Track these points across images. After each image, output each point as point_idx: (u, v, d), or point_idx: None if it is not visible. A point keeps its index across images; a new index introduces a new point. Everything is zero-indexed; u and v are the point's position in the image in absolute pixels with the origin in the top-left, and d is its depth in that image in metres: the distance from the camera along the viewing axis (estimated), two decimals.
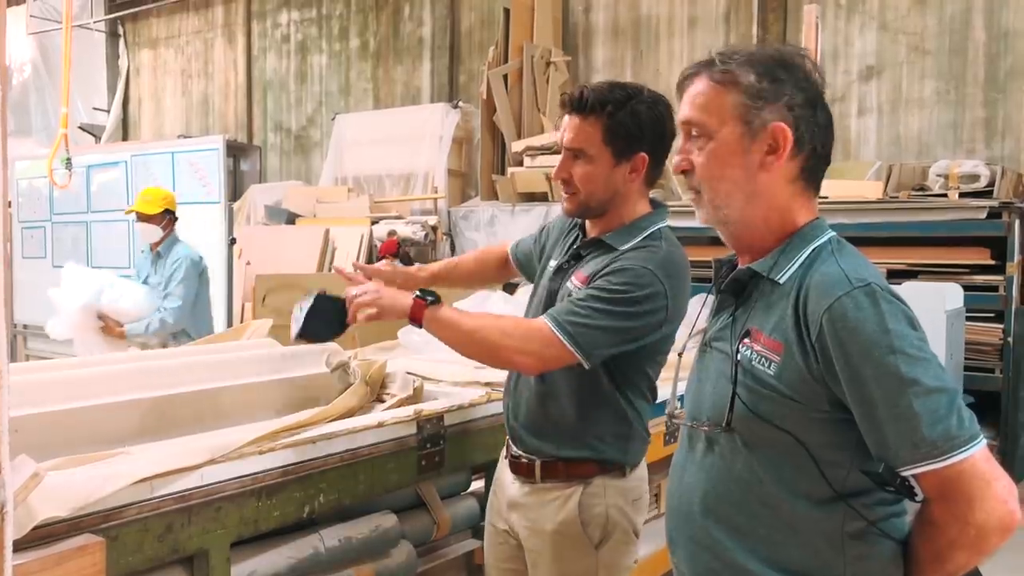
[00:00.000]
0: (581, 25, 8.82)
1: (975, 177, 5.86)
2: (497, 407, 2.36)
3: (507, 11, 8.32)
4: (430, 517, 2.39)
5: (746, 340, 1.34)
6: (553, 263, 2.14)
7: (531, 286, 2.30)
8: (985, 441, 1.21)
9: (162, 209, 4.77)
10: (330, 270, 7.92)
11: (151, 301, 4.71)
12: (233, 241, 5.79)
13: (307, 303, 2.00)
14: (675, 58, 8.16)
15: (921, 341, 1.23)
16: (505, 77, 8.17)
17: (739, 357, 1.33)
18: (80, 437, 1.88)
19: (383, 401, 2.43)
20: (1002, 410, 5.74)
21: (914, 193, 6.03)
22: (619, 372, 1.99)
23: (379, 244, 7.98)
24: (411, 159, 9.08)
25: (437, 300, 1.90)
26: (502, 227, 7.72)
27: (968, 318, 5.47)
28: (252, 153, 11.27)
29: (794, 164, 1.34)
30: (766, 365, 1.30)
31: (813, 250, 1.34)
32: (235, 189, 9.77)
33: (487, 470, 2.44)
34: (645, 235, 1.96)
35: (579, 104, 1.94)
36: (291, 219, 8.88)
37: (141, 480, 1.62)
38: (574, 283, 1.98)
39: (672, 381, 1.61)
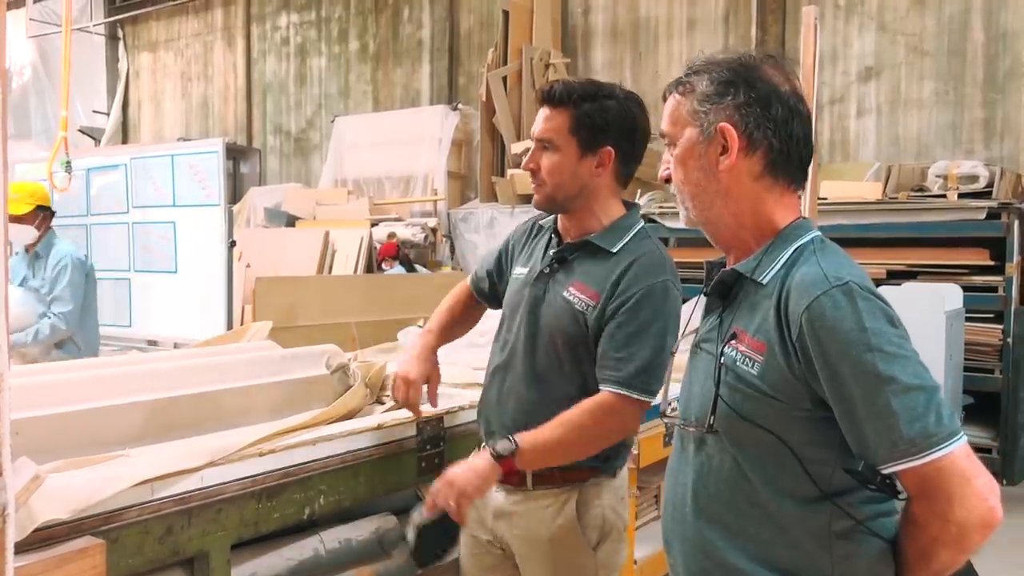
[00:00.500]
0: (580, 27, 8.83)
1: (974, 178, 5.87)
2: None
3: (506, 13, 8.34)
4: None
5: (732, 342, 1.35)
6: (523, 269, 2.09)
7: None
8: (966, 438, 1.21)
9: (33, 207, 4.21)
10: (330, 272, 7.94)
11: (33, 306, 4.19)
12: (233, 244, 5.78)
13: (412, 534, 2.00)
14: (674, 60, 8.17)
15: (900, 338, 1.23)
16: (504, 79, 8.18)
17: (723, 359, 1.35)
18: (80, 440, 1.88)
19: (383, 403, 2.43)
20: (1002, 411, 5.74)
21: (913, 194, 6.04)
22: None
23: (378, 246, 7.99)
24: (410, 161, 9.09)
25: (511, 444, 1.85)
26: (501, 228, 7.73)
27: (967, 319, 5.48)
28: (252, 156, 11.29)
29: (754, 161, 1.37)
30: (749, 365, 1.31)
31: (795, 250, 1.36)
32: (235, 192, 9.79)
33: None
34: (632, 234, 1.98)
35: (549, 95, 1.96)
36: (291, 221, 8.90)
37: (141, 482, 1.62)
38: (573, 294, 1.94)
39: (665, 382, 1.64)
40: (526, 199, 7.67)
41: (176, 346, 5.20)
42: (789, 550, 1.31)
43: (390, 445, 2.14)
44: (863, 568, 1.29)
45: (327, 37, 10.80)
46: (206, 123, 12.06)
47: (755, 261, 1.37)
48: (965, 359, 5.44)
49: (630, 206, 2.06)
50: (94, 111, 12.96)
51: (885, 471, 1.22)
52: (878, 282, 5.17)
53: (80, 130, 12.24)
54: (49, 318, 4.19)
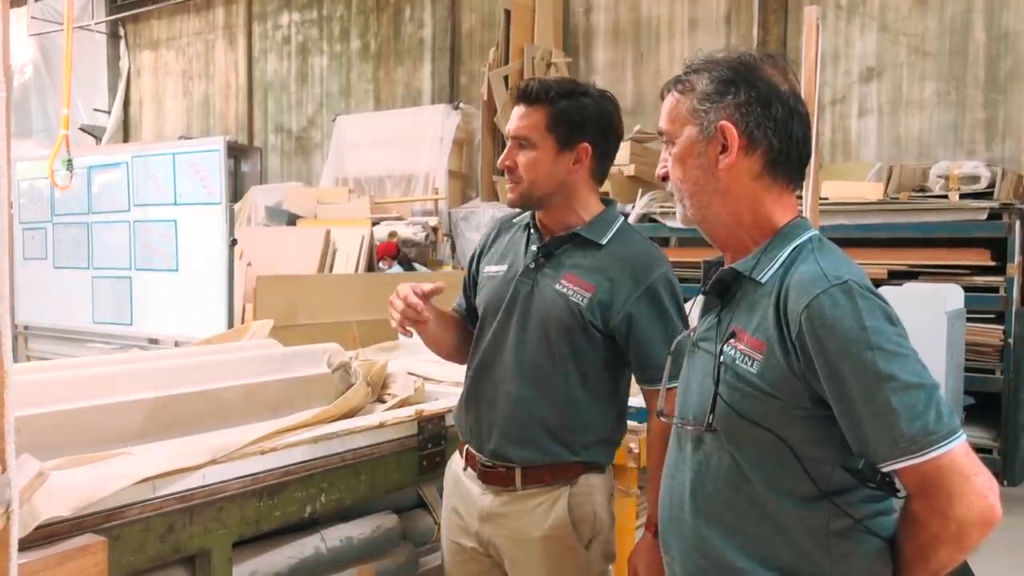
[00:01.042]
0: (582, 26, 8.83)
1: (975, 178, 5.86)
2: None
3: (508, 12, 8.33)
4: (431, 517, 2.39)
5: (731, 341, 1.36)
6: (499, 267, 2.05)
7: None
8: (965, 436, 1.21)
9: None
10: (331, 270, 7.93)
11: None
12: (234, 242, 5.77)
13: None
14: (676, 60, 8.16)
15: (900, 337, 1.24)
16: (506, 78, 8.18)
17: (722, 358, 1.36)
18: (82, 437, 1.88)
19: (384, 401, 2.44)
20: (1002, 411, 5.74)
21: (914, 194, 6.04)
22: (616, 374, 1.99)
23: (378, 245, 7.98)
24: (412, 160, 9.09)
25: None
26: None
27: (968, 319, 5.48)
28: (253, 154, 11.29)
29: (753, 160, 1.38)
30: (749, 364, 1.32)
31: (794, 249, 1.36)
32: (236, 190, 9.78)
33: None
34: (616, 228, 2.00)
35: (525, 93, 1.96)
36: (292, 220, 8.90)
37: (143, 480, 1.63)
38: (566, 286, 1.92)
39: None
40: None
41: (177, 344, 5.20)
42: (787, 549, 1.31)
43: (391, 444, 2.15)
44: (861, 567, 1.30)
45: (328, 36, 10.80)
46: (207, 121, 12.06)
47: (754, 260, 1.38)
48: (966, 359, 5.43)
49: (607, 202, 2.09)
50: (95, 109, 12.96)
51: (885, 469, 1.22)
52: (879, 282, 5.17)
53: (81, 128, 12.23)
54: None
